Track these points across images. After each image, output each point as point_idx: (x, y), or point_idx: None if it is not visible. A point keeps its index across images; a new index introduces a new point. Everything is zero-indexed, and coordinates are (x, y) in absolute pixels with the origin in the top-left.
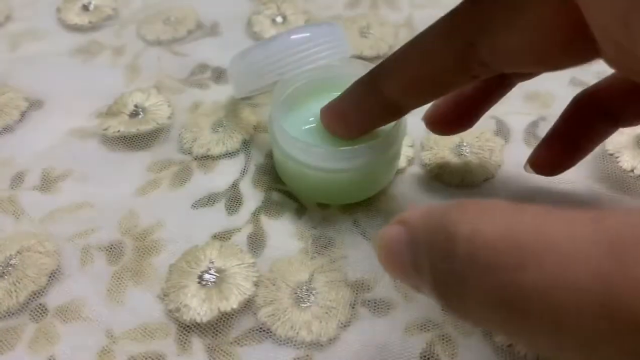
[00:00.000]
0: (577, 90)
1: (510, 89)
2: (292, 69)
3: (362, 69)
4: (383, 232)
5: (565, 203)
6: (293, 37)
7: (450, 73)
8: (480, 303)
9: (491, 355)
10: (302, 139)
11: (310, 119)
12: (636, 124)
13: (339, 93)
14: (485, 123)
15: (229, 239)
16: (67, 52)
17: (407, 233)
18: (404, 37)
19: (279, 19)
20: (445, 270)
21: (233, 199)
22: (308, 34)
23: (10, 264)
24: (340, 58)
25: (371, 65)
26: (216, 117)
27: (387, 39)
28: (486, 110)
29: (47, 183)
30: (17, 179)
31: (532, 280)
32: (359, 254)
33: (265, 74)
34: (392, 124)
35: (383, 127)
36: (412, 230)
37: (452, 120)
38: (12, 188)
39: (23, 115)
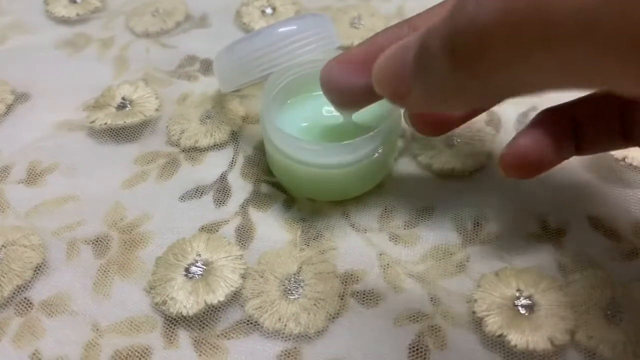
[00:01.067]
0: None
1: None
2: (279, 63)
3: None
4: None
5: (556, 192)
6: (280, 30)
7: None
8: (504, 40)
9: (480, 345)
10: (294, 134)
11: (303, 115)
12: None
13: None
14: None
15: (217, 231)
16: (54, 44)
17: (416, 36)
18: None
19: (268, 10)
20: (464, 34)
21: (221, 191)
22: (295, 27)
23: None
24: (329, 50)
25: None
26: (204, 109)
27: (378, 30)
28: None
29: (33, 176)
30: (3, 173)
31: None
32: (348, 245)
33: (252, 69)
34: (386, 119)
35: (376, 122)
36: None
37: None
38: None
39: (9, 108)
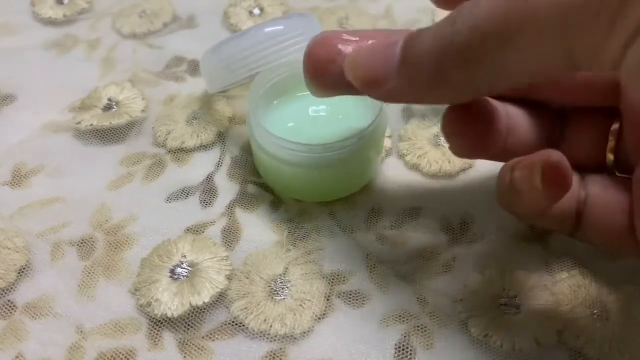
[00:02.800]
0: None
1: None
2: (266, 63)
3: None
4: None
5: None
6: (266, 30)
7: None
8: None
9: (467, 345)
10: (281, 135)
11: (289, 115)
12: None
13: None
14: None
15: (203, 232)
16: (41, 45)
17: (408, 34)
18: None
19: (256, 11)
20: (460, 32)
21: (207, 192)
22: (281, 27)
23: None
24: None
25: None
26: (191, 110)
27: None
28: None
29: (18, 178)
30: None
31: None
32: (335, 245)
33: (238, 69)
34: (373, 119)
35: (363, 122)
36: (409, 34)
37: None
38: None
39: None
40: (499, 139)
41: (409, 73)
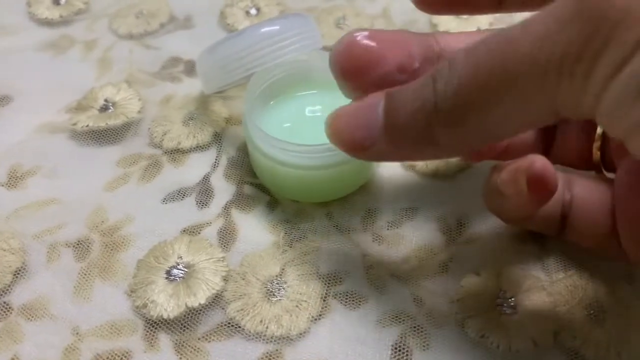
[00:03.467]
0: None
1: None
2: (262, 63)
3: None
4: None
5: None
6: (262, 30)
7: None
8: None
9: (464, 346)
10: (277, 135)
11: (286, 115)
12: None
13: (316, 89)
14: None
15: (199, 233)
16: (37, 46)
17: (387, 94)
18: (380, 28)
19: (252, 11)
20: (443, 94)
21: (204, 193)
22: (278, 27)
23: None
24: (313, 50)
25: None
26: (187, 110)
27: None
28: None
29: (14, 180)
30: None
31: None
32: (331, 246)
33: (234, 69)
34: None
35: None
36: (389, 95)
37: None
38: None
39: None
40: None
41: (395, 137)
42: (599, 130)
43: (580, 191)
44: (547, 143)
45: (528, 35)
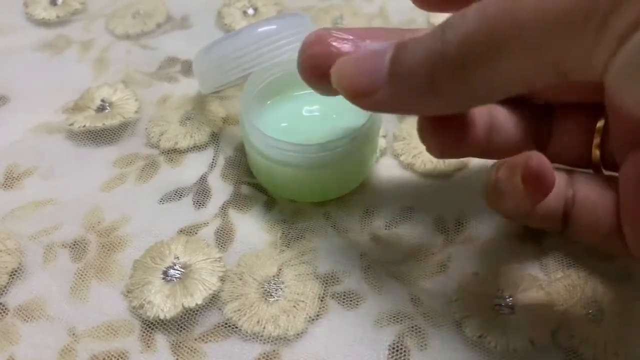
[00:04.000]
0: None
1: None
2: (259, 63)
3: None
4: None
5: None
6: (259, 29)
7: None
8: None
9: (461, 346)
10: (274, 135)
11: (283, 115)
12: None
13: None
14: None
15: (196, 233)
16: (34, 47)
17: (397, 45)
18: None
19: (250, 11)
20: (451, 44)
21: (201, 193)
22: (274, 26)
23: None
24: None
25: None
26: (184, 110)
27: None
28: None
29: (10, 180)
30: None
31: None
32: (329, 246)
33: (231, 69)
34: (367, 119)
35: (357, 122)
36: (398, 44)
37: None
38: None
39: None
40: (475, 141)
41: (399, 84)
42: (598, 124)
43: (583, 188)
44: (543, 142)
45: None
